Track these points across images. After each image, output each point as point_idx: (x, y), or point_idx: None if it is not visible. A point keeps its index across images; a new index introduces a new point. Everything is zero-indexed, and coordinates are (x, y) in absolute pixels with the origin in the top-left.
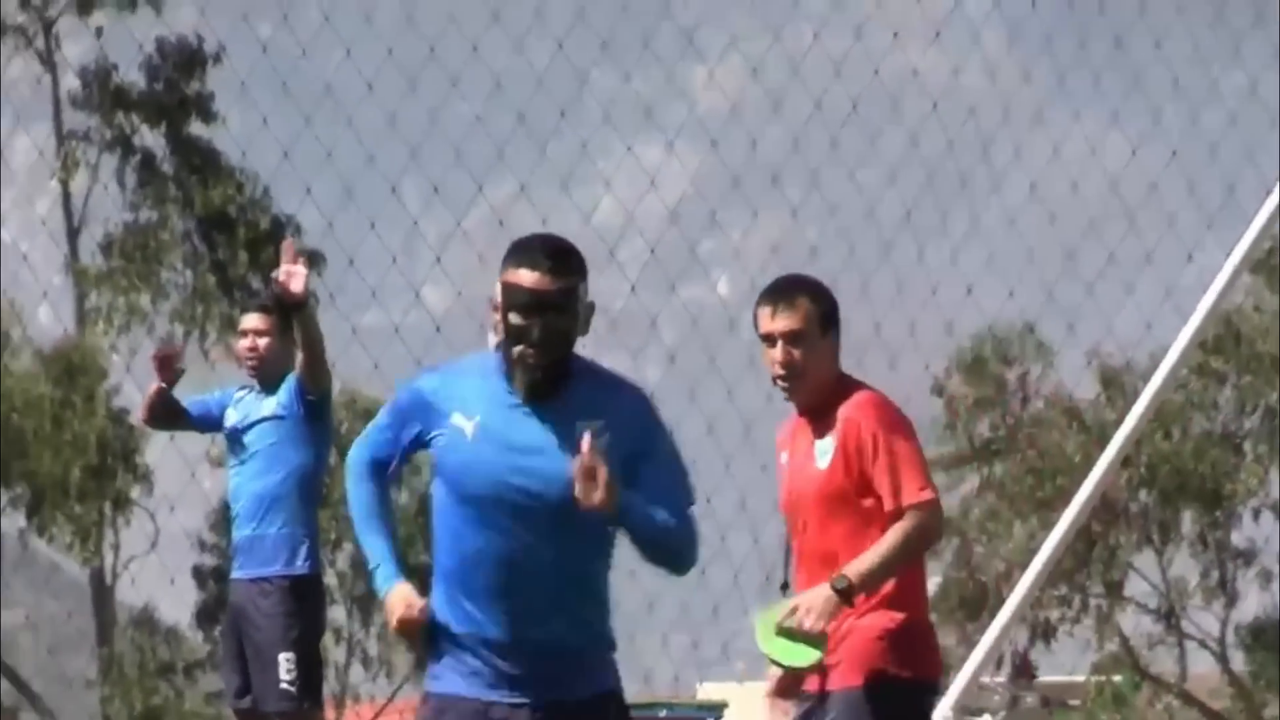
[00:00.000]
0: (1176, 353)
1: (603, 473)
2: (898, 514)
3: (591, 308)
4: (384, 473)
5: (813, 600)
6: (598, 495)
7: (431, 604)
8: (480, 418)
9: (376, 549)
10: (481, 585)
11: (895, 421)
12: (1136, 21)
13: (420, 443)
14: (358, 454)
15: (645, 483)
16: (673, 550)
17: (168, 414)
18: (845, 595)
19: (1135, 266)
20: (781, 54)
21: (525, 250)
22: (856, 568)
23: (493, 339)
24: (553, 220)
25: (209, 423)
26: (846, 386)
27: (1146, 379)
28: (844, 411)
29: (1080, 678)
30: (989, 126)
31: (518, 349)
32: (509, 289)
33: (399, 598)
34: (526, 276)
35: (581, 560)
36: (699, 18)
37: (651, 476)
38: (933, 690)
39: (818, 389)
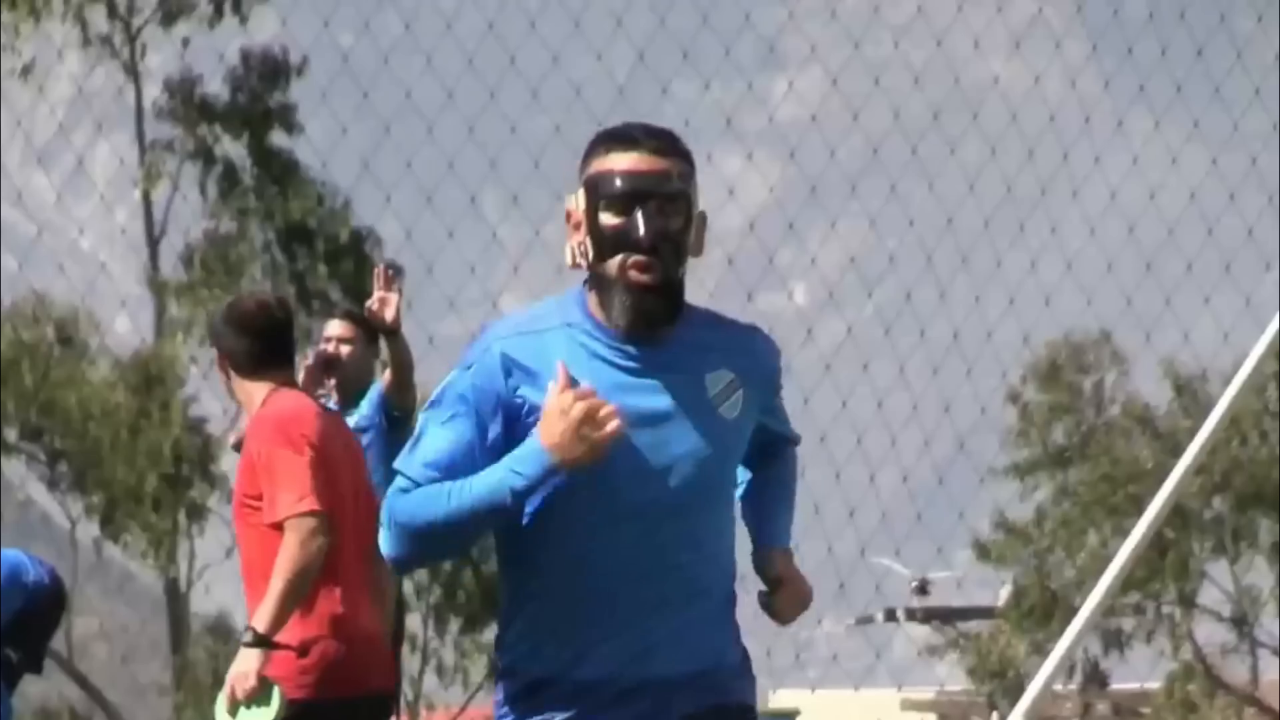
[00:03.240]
0: (1253, 361)
1: (795, 578)
2: (279, 528)
3: (704, 219)
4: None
5: (236, 670)
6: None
7: (509, 643)
8: (584, 380)
9: (476, 484)
10: (601, 613)
11: (281, 435)
12: (1217, 30)
13: (515, 433)
14: (404, 495)
15: (773, 430)
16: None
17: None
18: (262, 643)
19: (1213, 276)
20: (861, 63)
21: (616, 133)
22: (260, 612)
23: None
24: None
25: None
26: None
27: (1222, 388)
28: (247, 430)
29: (1154, 685)
30: (1069, 135)
31: (616, 259)
32: (599, 179)
33: (551, 413)
34: (623, 159)
35: (725, 559)
36: (779, 27)
37: (775, 418)
38: (350, 707)
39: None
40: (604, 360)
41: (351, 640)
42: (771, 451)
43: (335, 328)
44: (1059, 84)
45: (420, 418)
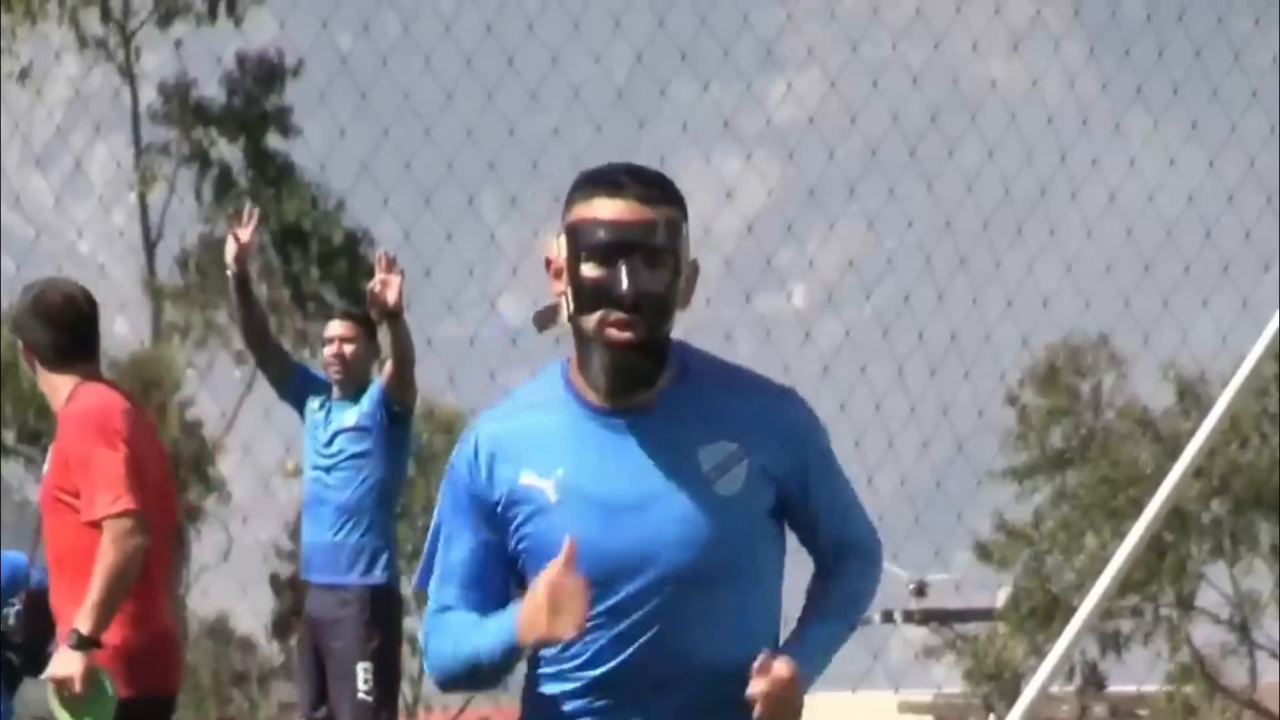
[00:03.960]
0: (1251, 363)
1: (780, 683)
2: (95, 526)
3: (695, 269)
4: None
5: (61, 672)
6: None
7: None
8: (564, 468)
9: (487, 632)
10: (605, 700)
11: (97, 432)
12: (1216, 32)
13: (518, 546)
14: (435, 619)
15: (814, 513)
16: (871, 591)
17: (247, 298)
18: (86, 644)
19: (1212, 278)
20: (860, 65)
21: (601, 176)
22: (82, 614)
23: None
24: None
25: (291, 384)
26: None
27: (1221, 390)
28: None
29: (1151, 688)
30: (1067, 137)
31: (596, 315)
32: (580, 228)
33: (529, 598)
34: (606, 206)
35: (757, 641)
36: (778, 29)
37: (821, 501)
38: (161, 705)
39: None
40: (584, 436)
41: (160, 638)
42: (837, 559)
43: (337, 327)
44: (1057, 85)
45: (431, 529)
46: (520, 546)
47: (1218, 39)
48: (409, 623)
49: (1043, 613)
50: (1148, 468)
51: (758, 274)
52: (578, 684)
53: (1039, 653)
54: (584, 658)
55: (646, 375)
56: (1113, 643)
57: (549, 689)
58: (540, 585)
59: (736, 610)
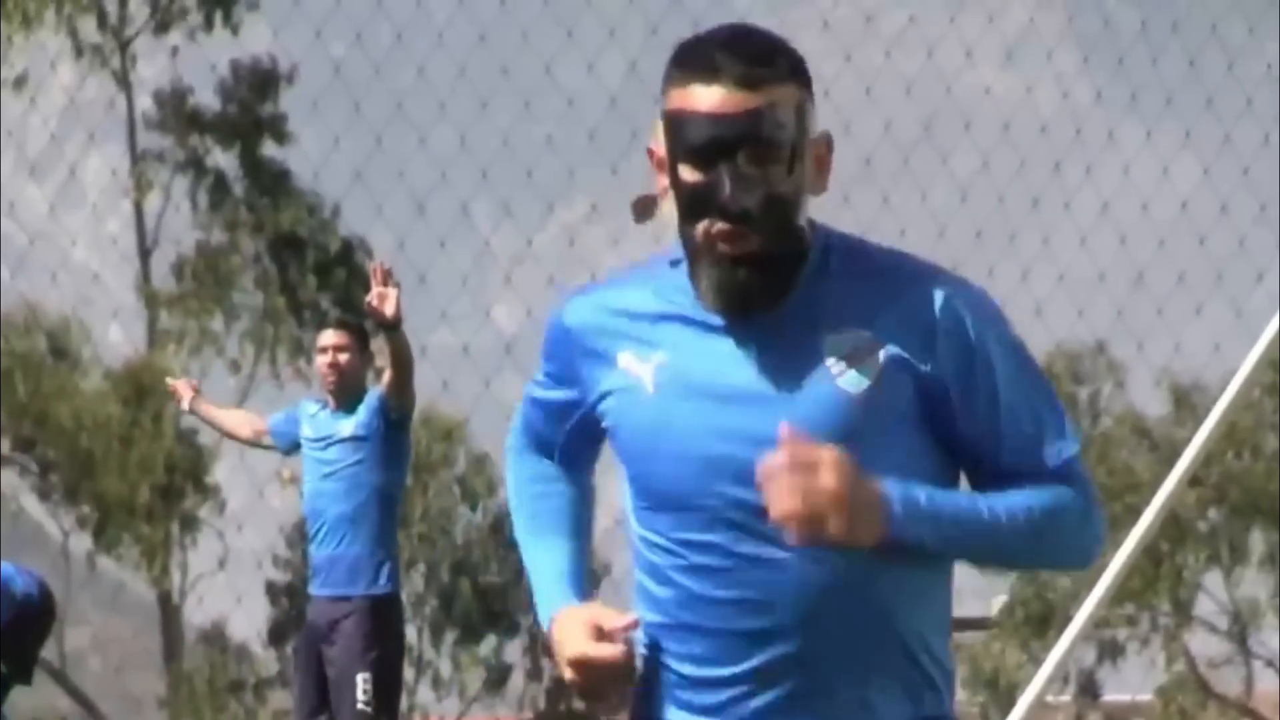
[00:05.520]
0: (1246, 371)
1: (825, 473)
2: None
3: (828, 144)
4: (563, 455)
5: None
6: (815, 520)
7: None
8: (665, 354)
9: (542, 564)
10: (712, 646)
11: None
12: (1209, 41)
13: (588, 413)
14: (514, 434)
15: (981, 427)
16: (1059, 543)
17: (214, 423)
18: None
19: (1205, 287)
20: (853, 74)
21: (699, 51)
22: None
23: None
24: (624, 242)
25: (282, 440)
26: None
27: (1217, 398)
28: None
29: (1146, 697)
30: (1060, 146)
31: (701, 224)
32: (675, 120)
33: (570, 624)
34: (700, 96)
35: (887, 576)
36: None
37: (989, 413)
38: None
39: None
40: (702, 326)
41: None
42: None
43: (330, 336)
44: (1051, 94)
45: None
46: (611, 437)
47: (1211, 48)
48: (406, 632)
49: (1038, 621)
50: (1144, 475)
51: None
52: (666, 623)
53: (1034, 661)
54: (672, 592)
55: (764, 293)
56: (1109, 651)
57: (644, 615)
58: (585, 648)
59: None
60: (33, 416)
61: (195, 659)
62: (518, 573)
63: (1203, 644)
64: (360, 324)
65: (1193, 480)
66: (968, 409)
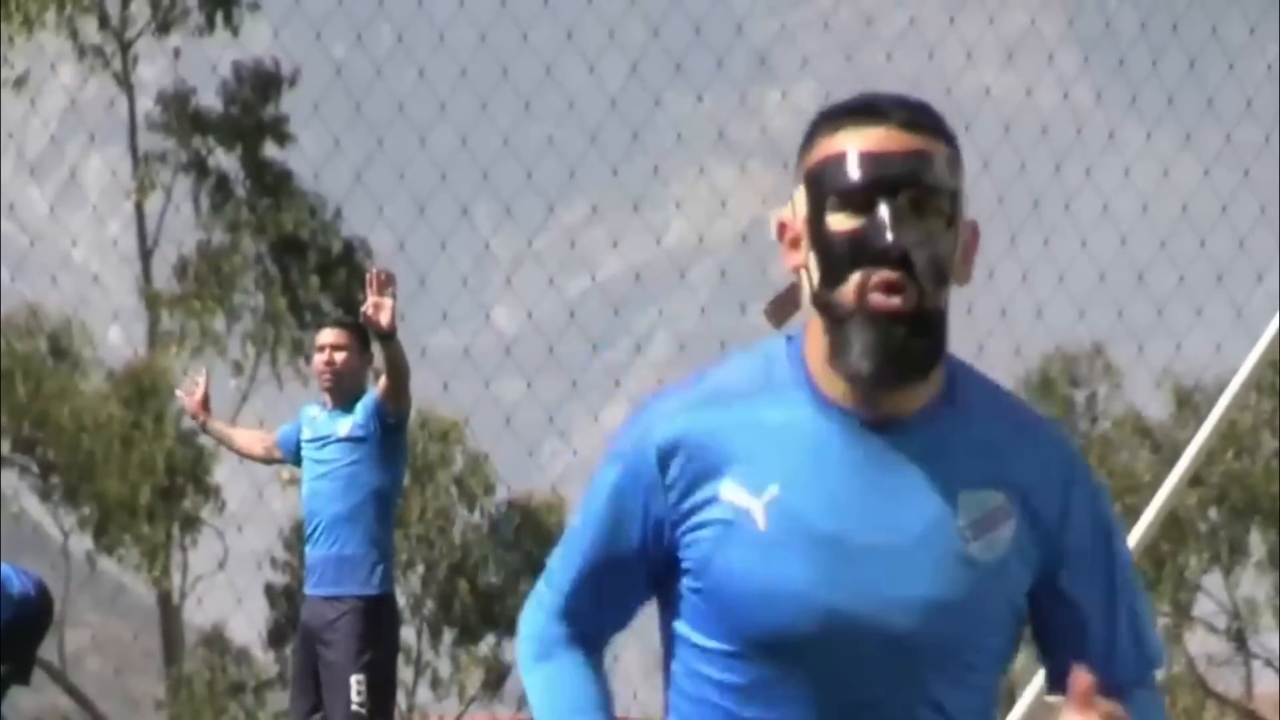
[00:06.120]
0: (1246, 371)
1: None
2: None
3: (976, 232)
4: (597, 645)
5: None
6: None
7: None
8: (779, 485)
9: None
10: None
11: None
12: (1209, 42)
13: (670, 560)
14: (542, 622)
15: (1083, 614)
16: None
17: (223, 440)
18: None
19: (1206, 287)
20: (854, 75)
21: (853, 103)
22: None
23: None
24: (624, 242)
25: (290, 452)
26: None
27: (1216, 399)
28: None
29: None
30: (1061, 147)
31: (854, 279)
32: (826, 168)
33: None
34: (859, 137)
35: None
36: (772, 39)
37: (1095, 605)
38: None
39: None
40: (819, 446)
41: None
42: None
43: (329, 335)
44: (1051, 95)
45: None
46: (693, 575)
47: (1212, 49)
48: (404, 632)
49: None
50: (1144, 476)
51: (753, 284)
52: None
53: (1035, 660)
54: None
55: (924, 356)
56: None
57: None
58: None
59: (955, 706)
60: (33, 417)
61: (195, 661)
62: (515, 573)
63: (1202, 644)
64: (359, 324)
65: (1193, 480)
66: (1079, 600)
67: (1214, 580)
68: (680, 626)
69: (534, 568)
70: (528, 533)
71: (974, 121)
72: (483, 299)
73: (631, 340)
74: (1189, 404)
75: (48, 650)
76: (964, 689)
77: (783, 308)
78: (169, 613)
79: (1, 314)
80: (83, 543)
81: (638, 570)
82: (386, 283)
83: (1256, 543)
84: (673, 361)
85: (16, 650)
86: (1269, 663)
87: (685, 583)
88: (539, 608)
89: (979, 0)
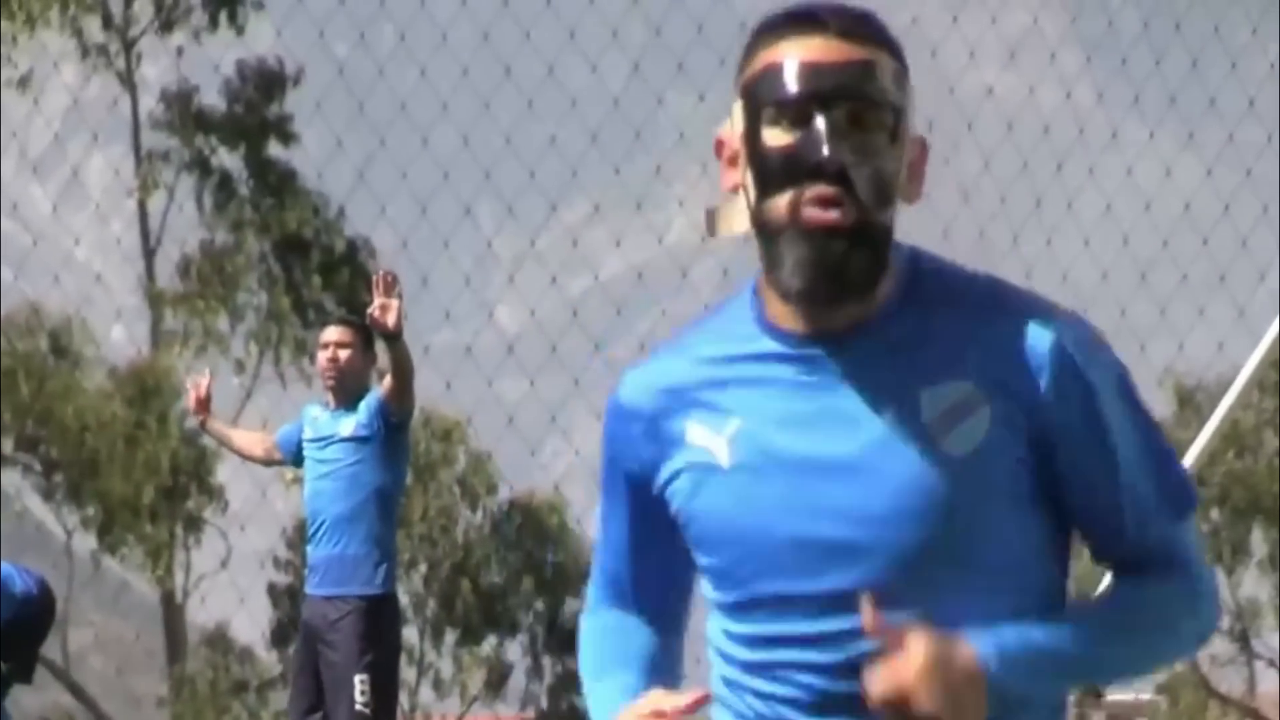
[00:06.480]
0: (1248, 371)
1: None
2: None
3: (924, 148)
4: (642, 591)
5: None
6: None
7: None
8: (739, 420)
9: (602, 696)
10: None
11: None
12: (1212, 41)
13: (671, 521)
14: (592, 595)
15: (1098, 498)
16: (1171, 647)
17: (224, 441)
18: None
19: (1208, 287)
20: None
21: (793, 13)
22: None
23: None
24: (626, 241)
25: (291, 454)
26: None
27: (1218, 399)
28: None
29: (1148, 696)
30: (1063, 146)
31: (786, 196)
32: (761, 79)
33: (626, 716)
34: (795, 47)
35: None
36: None
37: (1107, 484)
38: None
39: None
40: (769, 374)
41: None
42: (1135, 569)
43: (333, 333)
44: (1053, 95)
45: None
46: (684, 528)
47: (1214, 48)
48: (407, 632)
49: None
50: None
51: None
52: (760, 708)
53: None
54: (765, 677)
55: (860, 272)
56: None
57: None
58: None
59: (968, 617)
60: (36, 416)
61: (198, 660)
62: (517, 573)
63: None
64: (363, 323)
65: (1195, 480)
66: (1081, 475)
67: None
68: (703, 587)
69: (536, 567)
70: (530, 532)
71: (976, 121)
72: (485, 298)
73: (634, 339)
74: (1191, 403)
75: (51, 649)
76: (986, 594)
77: (715, 219)
78: (172, 612)
79: (3, 313)
80: (86, 541)
81: (655, 536)
82: (393, 284)
83: (1259, 543)
84: None
85: (19, 649)
86: (1271, 663)
87: (684, 538)
88: (590, 586)
89: (978, 1)
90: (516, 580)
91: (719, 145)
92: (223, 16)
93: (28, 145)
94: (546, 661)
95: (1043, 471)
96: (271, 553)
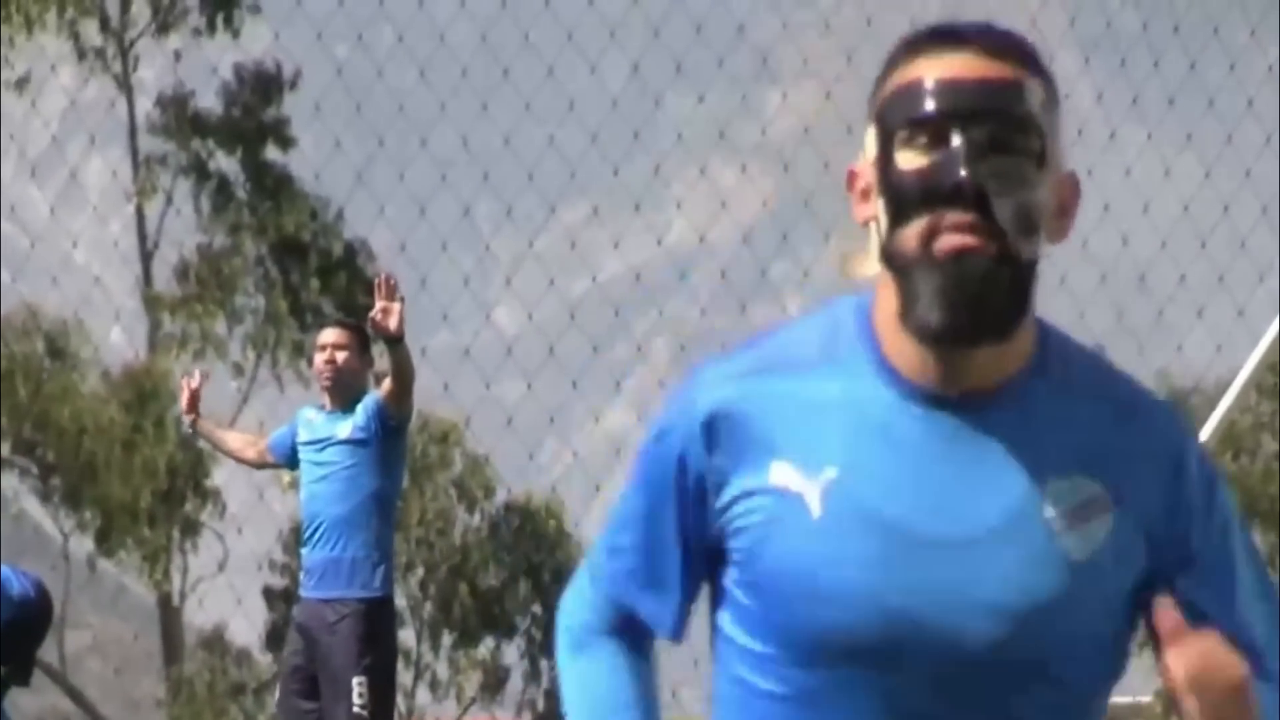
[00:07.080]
0: (1246, 374)
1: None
2: None
3: (1075, 185)
4: (641, 636)
5: None
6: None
7: None
8: (838, 468)
9: None
10: None
11: None
12: (1210, 42)
13: (716, 548)
14: (581, 611)
15: (1208, 619)
16: None
17: (216, 444)
18: None
19: (1206, 288)
20: (855, 76)
21: (933, 31)
22: None
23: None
24: (625, 242)
25: (285, 458)
26: None
27: (1216, 401)
28: None
29: (1147, 699)
30: None
31: (918, 223)
32: (896, 99)
33: None
34: (945, 64)
35: None
36: (773, 40)
37: (1220, 607)
38: None
39: None
40: (882, 424)
41: None
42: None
43: (330, 335)
44: None
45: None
46: (739, 567)
47: (1213, 49)
48: (403, 635)
49: None
50: None
51: (753, 285)
52: None
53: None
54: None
55: (1003, 303)
56: None
57: None
58: None
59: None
60: (33, 419)
61: (195, 662)
62: (515, 575)
63: None
64: (360, 325)
65: None
66: (1196, 603)
67: None
68: (725, 624)
69: (534, 570)
70: (528, 535)
71: None
72: (483, 299)
73: (632, 341)
74: (1188, 405)
75: (48, 651)
76: (1052, 712)
77: (851, 260)
78: (169, 614)
79: (1, 315)
80: (83, 544)
81: (683, 555)
82: (394, 288)
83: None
84: (673, 362)
85: (16, 651)
86: None
87: (731, 575)
88: (578, 595)
89: (979, 0)
90: (514, 583)
91: (851, 177)
92: (219, 19)
93: (26, 147)
94: (544, 664)
95: (1149, 590)
96: (268, 555)
